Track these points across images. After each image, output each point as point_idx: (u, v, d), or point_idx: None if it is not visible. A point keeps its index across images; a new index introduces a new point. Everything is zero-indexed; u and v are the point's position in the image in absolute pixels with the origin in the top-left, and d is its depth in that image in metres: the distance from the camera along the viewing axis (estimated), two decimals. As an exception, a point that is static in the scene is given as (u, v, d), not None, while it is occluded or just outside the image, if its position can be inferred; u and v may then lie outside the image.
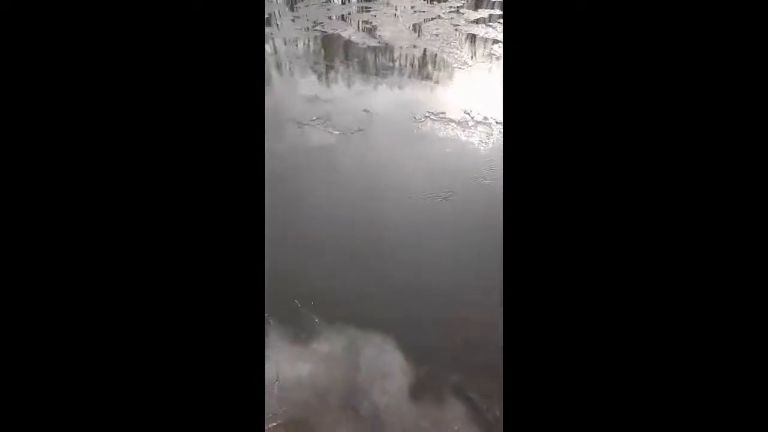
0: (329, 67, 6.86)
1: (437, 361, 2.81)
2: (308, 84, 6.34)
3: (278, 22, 8.44)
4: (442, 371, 2.76)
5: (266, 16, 8.41)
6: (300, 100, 5.81)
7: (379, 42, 7.57)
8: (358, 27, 8.20)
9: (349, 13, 8.87)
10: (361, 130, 5.11)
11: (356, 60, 7.04)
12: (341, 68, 6.84)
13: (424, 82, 6.45)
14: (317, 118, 5.31)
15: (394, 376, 2.75)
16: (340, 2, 9.26)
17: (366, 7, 9.18)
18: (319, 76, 6.60)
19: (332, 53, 7.32)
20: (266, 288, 3.19)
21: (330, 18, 8.59)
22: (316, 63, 7.01)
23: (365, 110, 5.51)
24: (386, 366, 2.81)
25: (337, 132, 5.07)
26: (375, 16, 8.78)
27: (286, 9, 8.87)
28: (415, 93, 6.12)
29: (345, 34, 7.79)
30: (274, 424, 2.46)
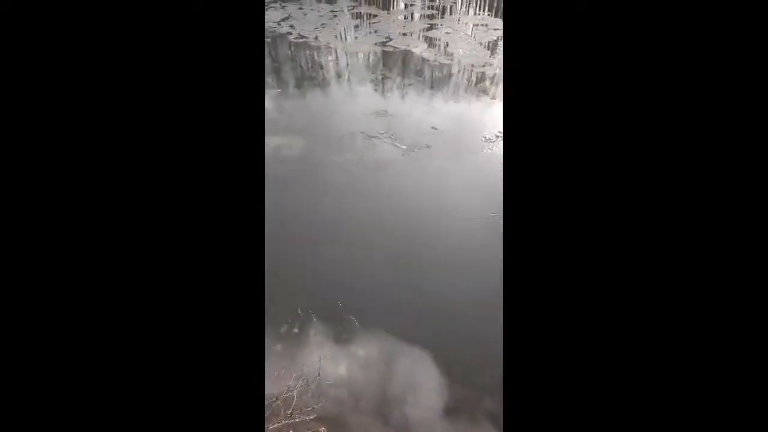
0: (387, 78, 7.02)
1: (473, 382, 2.79)
2: (372, 96, 6.54)
3: (345, 35, 8.81)
4: (477, 393, 2.74)
5: (336, 33, 8.82)
6: (364, 112, 5.99)
7: (450, 59, 7.62)
8: (429, 43, 8.29)
9: (411, 32, 8.96)
10: (428, 146, 5.17)
11: (416, 74, 7.15)
12: (398, 79, 6.97)
13: (481, 97, 6.44)
14: (385, 132, 5.43)
15: (427, 391, 2.77)
16: (403, 18, 9.39)
17: (433, 24, 9.22)
18: (376, 87, 6.78)
19: (391, 66, 7.49)
20: (311, 287, 3.41)
21: (400, 34, 8.77)
22: (377, 76, 7.17)
23: (433, 127, 5.57)
24: (421, 379, 2.84)
25: (404, 146, 5.18)
26: (449, 33, 8.82)
27: (352, 26, 9.21)
28: (473, 109, 6.12)
29: (416, 51, 7.93)
30: (311, 417, 2.58)
